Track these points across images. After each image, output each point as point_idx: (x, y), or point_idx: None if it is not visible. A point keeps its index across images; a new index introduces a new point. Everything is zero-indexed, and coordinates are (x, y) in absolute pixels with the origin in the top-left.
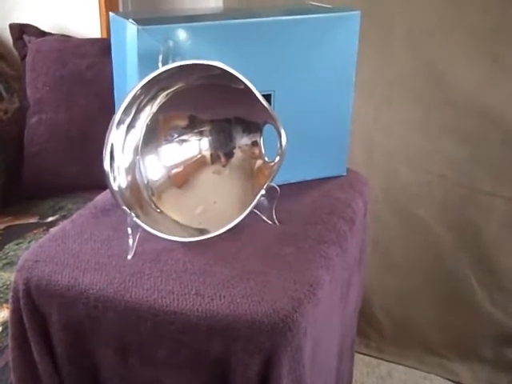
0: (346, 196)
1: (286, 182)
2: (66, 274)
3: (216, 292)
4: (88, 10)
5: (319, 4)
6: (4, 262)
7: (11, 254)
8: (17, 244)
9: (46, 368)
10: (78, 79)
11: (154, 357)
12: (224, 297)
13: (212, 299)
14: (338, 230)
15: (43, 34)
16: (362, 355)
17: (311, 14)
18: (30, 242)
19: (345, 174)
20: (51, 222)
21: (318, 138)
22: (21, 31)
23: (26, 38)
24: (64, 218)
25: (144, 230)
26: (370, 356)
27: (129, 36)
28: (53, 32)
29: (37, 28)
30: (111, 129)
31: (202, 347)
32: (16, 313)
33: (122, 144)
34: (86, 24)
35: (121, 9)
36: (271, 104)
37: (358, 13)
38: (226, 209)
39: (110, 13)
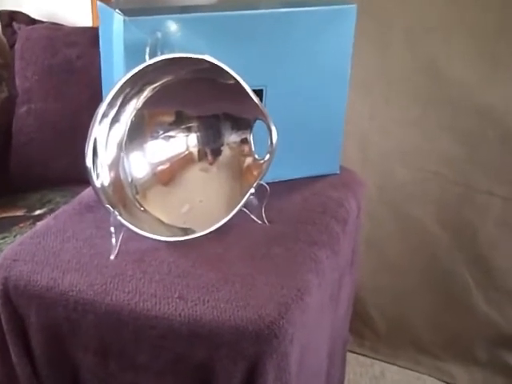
0: (338, 195)
1: (277, 180)
2: (45, 275)
3: (200, 296)
4: None
5: None
6: None
7: None
8: (2, 238)
9: (24, 370)
10: (68, 69)
11: (135, 361)
12: (208, 301)
13: (195, 304)
14: (330, 230)
15: (33, 21)
16: (355, 354)
17: (305, 6)
18: (15, 236)
19: (338, 172)
20: (38, 215)
21: (310, 134)
22: (10, 18)
23: (15, 25)
24: (52, 211)
25: (128, 228)
26: (363, 355)
27: (115, 27)
28: (43, 20)
29: (26, 15)
30: (94, 123)
31: (185, 353)
32: None
33: (105, 139)
34: (77, 12)
35: None
36: (263, 99)
37: (354, 6)
38: (213, 208)
39: (98, 2)
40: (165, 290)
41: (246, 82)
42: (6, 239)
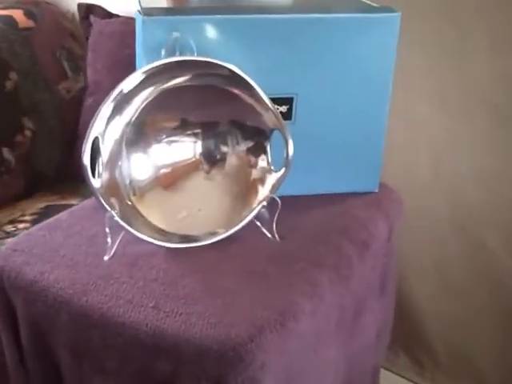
0: (366, 215)
1: (307, 194)
2: (35, 268)
3: (175, 308)
4: None
5: (368, 2)
6: None
7: None
8: None
9: (12, 359)
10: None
11: (104, 366)
12: (180, 314)
13: (167, 315)
14: (342, 253)
15: (110, 15)
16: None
17: (344, 13)
18: None
19: (376, 190)
20: None
21: (346, 148)
22: (88, 11)
23: (92, 18)
24: None
25: (127, 231)
26: None
27: (137, 27)
28: (120, 14)
29: (103, 9)
30: (95, 121)
31: (149, 365)
32: None
33: (105, 138)
34: None
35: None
36: (293, 108)
37: (397, 15)
38: (210, 218)
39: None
40: (142, 298)
41: (274, 89)
42: None
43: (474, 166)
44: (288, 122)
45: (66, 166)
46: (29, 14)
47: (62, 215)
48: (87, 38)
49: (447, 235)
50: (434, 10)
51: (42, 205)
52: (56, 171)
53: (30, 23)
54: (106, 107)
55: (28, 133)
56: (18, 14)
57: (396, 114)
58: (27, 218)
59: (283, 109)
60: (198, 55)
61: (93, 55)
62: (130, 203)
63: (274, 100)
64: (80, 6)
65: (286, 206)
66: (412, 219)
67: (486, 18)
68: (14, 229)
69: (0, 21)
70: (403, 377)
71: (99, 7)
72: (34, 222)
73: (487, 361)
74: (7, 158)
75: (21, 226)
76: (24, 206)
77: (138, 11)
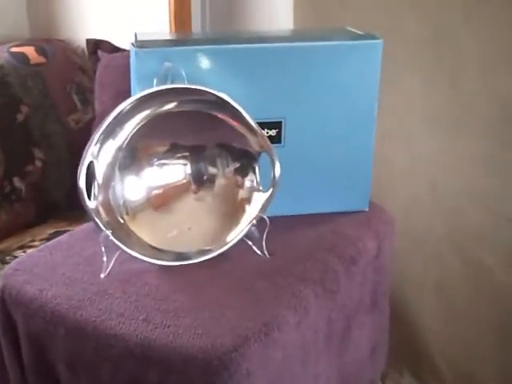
0: (355, 234)
1: (298, 213)
2: (35, 286)
3: (164, 320)
4: (159, 29)
5: (353, 30)
6: None
7: None
8: None
9: (14, 374)
10: None
11: (99, 378)
12: (169, 326)
13: (156, 327)
14: (328, 269)
15: (116, 49)
16: None
17: (328, 40)
18: None
19: (366, 209)
20: None
21: (336, 169)
22: (96, 46)
23: (99, 53)
24: None
25: (122, 250)
26: None
27: (131, 57)
28: (126, 48)
29: (110, 44)
30: (89, 146)
31: (140, 375)
32: None
33: (98, 162)
34: None
35: (193, 29)
36: (282, 131)
37: (379, 42)
38: (199, 236)
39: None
40: (134, 311)
41: (263, 114)
42: None
43: (471, 186)
44: (278, 144)
45: (77, 195)
46: (40, 51)
47: (63, 237)
48: (95, 72)
49: (446, 255)
50: (427, 33)
51: (52, 231)
52: (66, 199)
53: (41, 59)
54: (100, 133)
55: (38, 163)
56: (29, 51)
57: (392, 137)
58: (36, 243)
59: (273, 132)
60: (189, 83)
61: (99, 88)
62: (123, 223)
63: (264, 124)
64: (88, 41)
65: (277, 225)
66: (412, 240)
67: (477, 38)
68: (23, 254)
69: (13, 58)
70: None
71: (106, 42)
72: None
73: (490, 377)
74: (18, 186)
75: (30, 251)
76: (34, 233)
77: (132, 43)
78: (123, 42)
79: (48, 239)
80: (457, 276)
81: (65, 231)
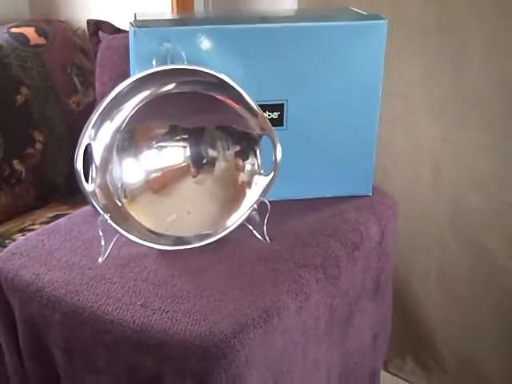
0: (357, 218)
1: (301, 198)
2: (31, 270)
3: (162, 306)
4: (161, 10)
5: (357, 10)
6: None
7: None
8: None
9: (11, 359)
10: None
11: (95, 365)
12: (167, 312)
13: (154, 313)
14: (330, 254)
15: (117, 30)
16: None
17: (332, 21)
18: None
19: (369, 194)
20: None
21: (339, 153)
22: (96, 27)
23: (100, 34)
24: None
25: (120, 234)
26: None
27: (130, 37)
28: (127, 29)
29: (111, 25)
30: (87, 128)
31: (136, 362)
32: None
33: (97, 144)
34: None
35: (196, 10)
36: (284, 114)
37: (384, 22)
38: (199, 220)
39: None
40: (132, 297)
41: (265, 96)
42: None
43: (474, 173)
44: (280, 127)
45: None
46: (40, 32)
47: (61, 221)
48: (96, 53)
49: (450, 241)
50: (431, 20)
51: (52, 214)
52: (66, 182)
53: (41, 40)
54: (98, 114)
55: (38, 145)
56: (29, 32)
57: (397, 123)
58: (37, 226)
59: (274, 115)
60: (189, 64)
61: (100, 69)
62: (121, 206)
63: (265, 106)
64: (89, 22)
65: (278, 209)
66: (414, 226)
67: (482, 27)
68: (22, 237)
69: (12, 38)
70: (411, 382)
71: (107, 23)
72: None
73: (494, 365)
74: (18, 169)
75: (27, 234)
76: (35, 216)
77: (131, 23)
78: (124, 23)
79: (48, 223)
80: (459, 261)
81: (65, 214)
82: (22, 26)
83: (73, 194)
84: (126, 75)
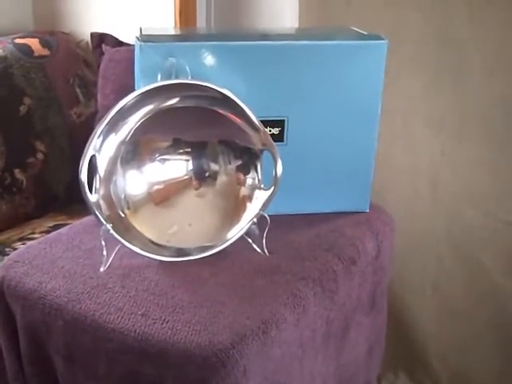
0: (354, 234)
1: (299, 213)
2: (34, 278)
3: (162, 315)
4: (164, 24)
5: (358, 30)
6: None
7: None
8: None
9: (11, 364)
10: None
11: (96, 372)
12: (167, 321)
13: (154, 322)
14: (327, 268)
15: (120, 43)
16: None
17: (333, 40)
18: None
19: (367, 210)
20: None
21: (338, 169)
22: (100, 40)
23: (103, 46)
24: None
25: (122, 245)
26: None
27: (136, 51)
28: (130, 43)
29: (114, 38)
30: (92, 140)
31: (137, 370)
32: None
33: (100, 155)
34: None
35: (198, 25)
36: (284, 130)
37: (384, 42)
38: (199, 233)
39: (140, 28)
40: (133, 306)
41: (266, 112)
42: None
43: (472, 189)
44: (280, 143)
45: (77, 188)
46: (44, 43)
47: (63, 230)
48: (99, 66)
49: (446, 256)
50: (430, 35)
51: (51, 224)
52: (66, 192)
53: (45, 51)
54: (103, 126)
55: (40, 155)
56: (33, 43)
57: (395, 138)
58: (36, 235)
59: (275, 131)
60: (193, 79)
61: (103, 81)
62: (124, 217)
63: (267, 122)
64: (93, 35)
65: (277, 223)
66: (412, 240)
67: (482, 41)
68: (22, 246)
69: (17, 49)
70: None
71: (110, 36)
72: None
73: (487, 381)
74: (19, 178)
75: (29, 243)
76: (35, 225)
77: (137, 37)
78: (127, 36)
79: (47, 232)
80: (455, 277)
81: (64, 224)
82: (27, 37)
83: (72, 203)
84: (128, 88)
